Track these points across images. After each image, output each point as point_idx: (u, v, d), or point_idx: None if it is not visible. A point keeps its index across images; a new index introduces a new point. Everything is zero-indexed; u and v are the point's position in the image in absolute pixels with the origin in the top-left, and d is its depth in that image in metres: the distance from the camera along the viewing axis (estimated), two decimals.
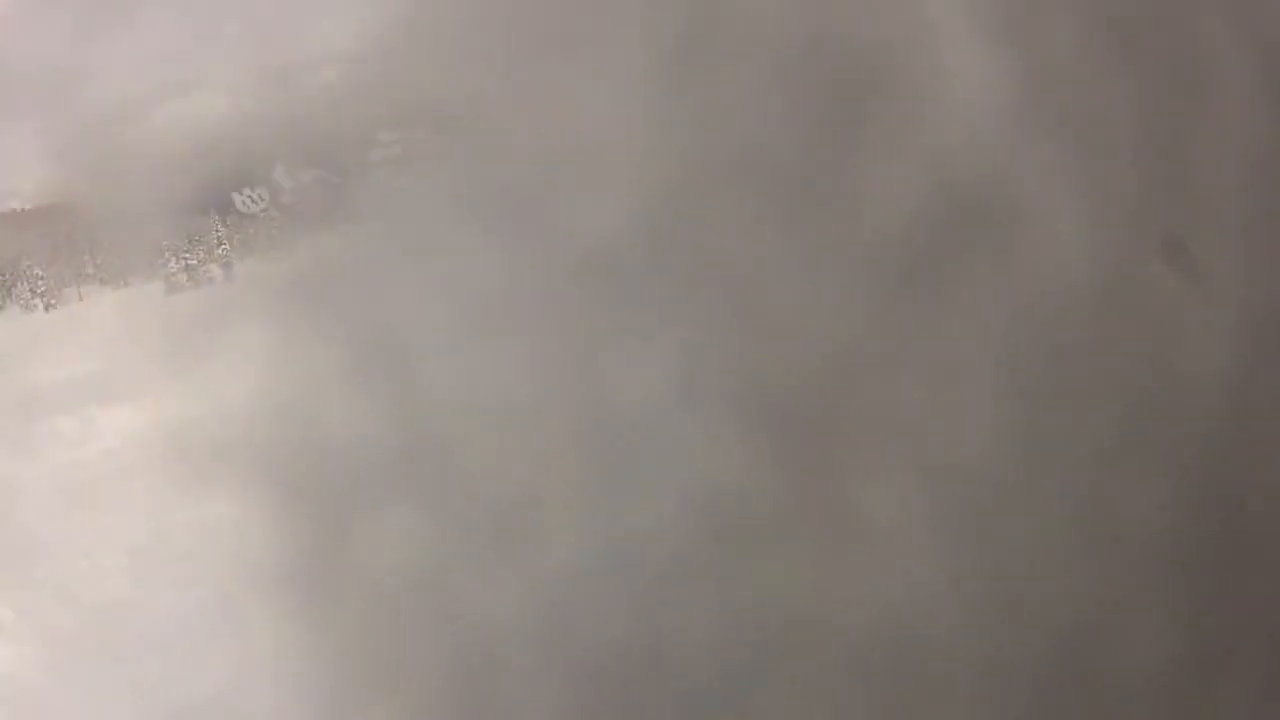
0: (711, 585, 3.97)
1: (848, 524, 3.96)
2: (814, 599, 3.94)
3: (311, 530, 4.27)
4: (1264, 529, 4.08)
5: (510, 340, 4.06)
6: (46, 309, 6.26)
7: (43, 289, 6.24)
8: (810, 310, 3.96)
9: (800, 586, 3.95)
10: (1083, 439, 4.00)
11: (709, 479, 3.93)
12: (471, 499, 4.06)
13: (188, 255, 5.85)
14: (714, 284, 4.00)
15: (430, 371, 4.12)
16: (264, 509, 4.40)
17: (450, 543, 4.08)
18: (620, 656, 4.00)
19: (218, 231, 5.68)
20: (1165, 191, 4.13)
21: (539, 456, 4.01)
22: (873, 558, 3.93)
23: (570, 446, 4.01)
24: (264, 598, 4.50)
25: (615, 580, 3.98)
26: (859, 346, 3.96)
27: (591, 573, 3.97)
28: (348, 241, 4.73)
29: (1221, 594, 4.03)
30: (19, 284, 6.36)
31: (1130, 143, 4.11)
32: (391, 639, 4.22)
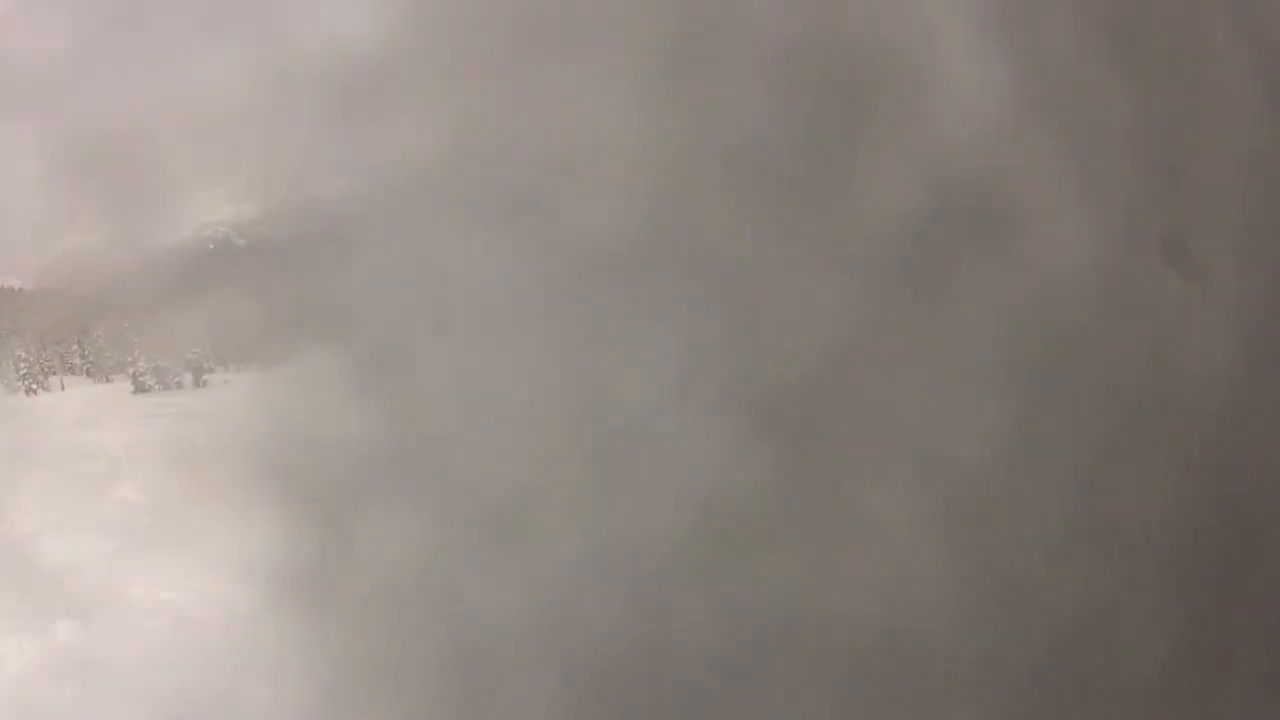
0: (711, 583, 3.97)
1: (848, 523, 3.96)
2: (813, 597, 3.94)
3: (311, 530, 4.27)
4: (1264, 529, 4.08)
5: (510, 340, 4.06)
6: (28, 393, 6.24)
7: (24, 371, 6.23)
8: (810, 310, 3.96)
9: (799, 585, 3.95)
10: (1083, 437, 4.00)
11: (709, 478, 3.93)
12: (471, 499, 4.05)
13: (157, 356, 5.79)
14: (714, 284, 4.00)
15: (430, 371, 4.12)
16: (263, 509, 4.40)
17: (450, 543, 4.08)
18: (619, 654, 4.00)
19: (191, 330, 5.59)
20: (1165, 191, 4.14)
21: (539, 456, 4.01)
22: (873, 557, 3.93)
23: (570, 446, 4.01)
24: (264, 597, 4.50)
25: (615, 579, 3.98)
26: (859, 346, 3.96)
27: (591, 572, 3.97)
28: (346, 244, 4.73)
29: (1221, 593, 4.04)
30: (4, 363, 6.37)
31: (1130, 143, 4.11)
32: (391, 638, 4.22)
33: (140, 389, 5.80)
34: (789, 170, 4.00)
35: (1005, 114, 4.02)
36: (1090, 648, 3.98)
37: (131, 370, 5.84)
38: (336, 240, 4.76)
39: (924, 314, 4.00)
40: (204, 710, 5.01)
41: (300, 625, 4.36)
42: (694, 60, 4.02)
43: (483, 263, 4.13)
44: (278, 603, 4.42)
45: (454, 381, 4.11)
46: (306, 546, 4.32)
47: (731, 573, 3.97)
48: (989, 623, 3.94)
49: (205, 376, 5.62)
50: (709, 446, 3.95)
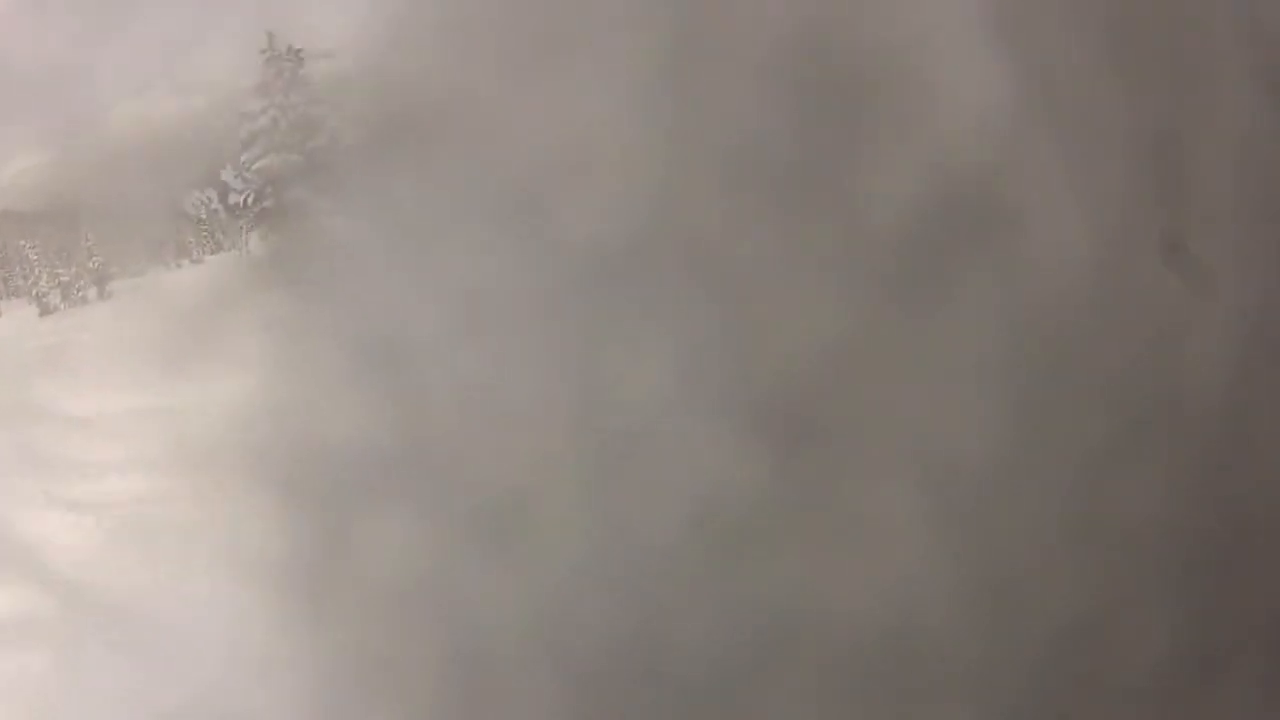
0: (711, 585, 3.97)
1: (848, 524, 3.96)
2: (813, 598, 3.94)
3: (311, 530, 4.28)
4: (1264, 529, 4.08)
5: (510, 340, 4.06)
6: None
7: None
8: (810, 310, 3.96)
9: (800, 586, 3.96)
10: (1083, 438, 4.00)
11: (709, 479, 3.93)
12: (471, 499, 4.06)
13: (61, 271, 5.67)
14: (713, 283, 4.00)
15: (430, 371, 4.12)
16: (263, 509, 4.40)
17: (450, 543, 4.08)
18: (619, 656, 4.00)
19: (87, 243, 5.51)
20: (1165, 191, 4.13)
21: (539, 456, 4.01)
22: (873, 558, 3.93)
23: (570, 446, 4.01)
24: (262, 597, 4.51)
25: (615, 580, 3.98)
26: (859, 346, 3.96)
27: (591, 573, 3.97)
28: (345, 242, 4.73)
29: (1222, 594, 4.04)
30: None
31: (1130, 142, 4.11)
32: (390, 639, 4.22)
33: (46, 310, 5.72)
34: (788, 170, 4.00)
35: (1005, 114, 4.01)
36: (1090, 647, 3.98)
37: (35, 290, 5.76)
38: (333, 240, 4.76)
39: (923, 313, 4.00)
40: (200, 709, 5.00)
41: (298, 624, 4.36)
42: (694, 60, 4.02)
43: (482, 262, 4.13)
44: (275, 601, 4.43)
45: (454, 381, 4.11)
46: (304, 545, 4.32)
47: (731, 572, 3.97)
48: (989, 622, 3.94)
49: (110, 286, 5.56)
50: (709, 446, 3.95)
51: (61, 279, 5.79)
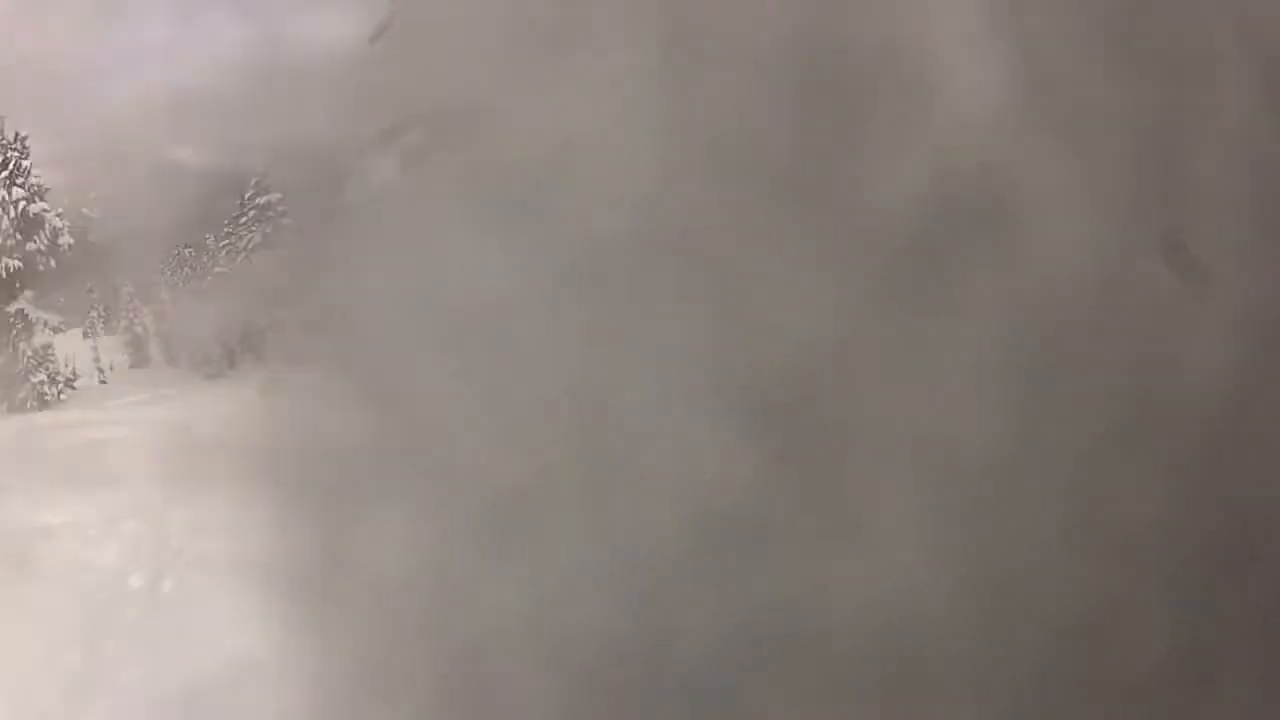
0: (711, 585, 3.97)
1: (848, 524, 3.96)
2: (814, 598, 3.94)
3: (311, 530, 4.28)
4: (1264, 529, 4.08)
5: (510, 340, 4.07)
6: None
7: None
8: (810, 310, 3.96)
9: (800, 586, 3.96)
10: (1083, 438, 4.00)
11: (709, 479, 3.93)
12: (472, 499, 4.06)
13: None
14: (713, 283, 4.00)
15: (430, 372, 4.13)
16: (264, 509, 4.41)
17: (450, 543, 4.09)
18: (620, 656, 4.00)
19: None
20: (1164, 191, 4.13)
21: (539, 456, 4.01)
22: (873, 558, 3.93)
23: (570, 447, 4.01)
24: (263, 597, 4.52)
25: (615, 580, 3.98)
26: (859, 346, 3.96)
27: (591, 572, 3.98)
28: (345, 242, 4.74)
29: (1222, 593, 4.03)
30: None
31: (1130, 142, 4.10)
32: (391, 639, 4.23)
33: None
34: (789, 170, 4.00)
35: (1005, 113, 4.01)
36: (1090, 647, 3.98)
37: None
38: (334, 239, 4.76)
39: (923, 313, 4.00)
40: (201, 707, 5.02)
41: (298, 624, 4.37)
42: (694, 60, 4.02)
43: (482, 262, 4.13)
44: (275, 601, 4.44)
45: (453, 381, 4.12)
46: (304, 545, 4.33)
47: (731, 572, 3.97)
48: (989, 623, 3.94)
49: None
50: (709, 446, 3.95)
51: None
